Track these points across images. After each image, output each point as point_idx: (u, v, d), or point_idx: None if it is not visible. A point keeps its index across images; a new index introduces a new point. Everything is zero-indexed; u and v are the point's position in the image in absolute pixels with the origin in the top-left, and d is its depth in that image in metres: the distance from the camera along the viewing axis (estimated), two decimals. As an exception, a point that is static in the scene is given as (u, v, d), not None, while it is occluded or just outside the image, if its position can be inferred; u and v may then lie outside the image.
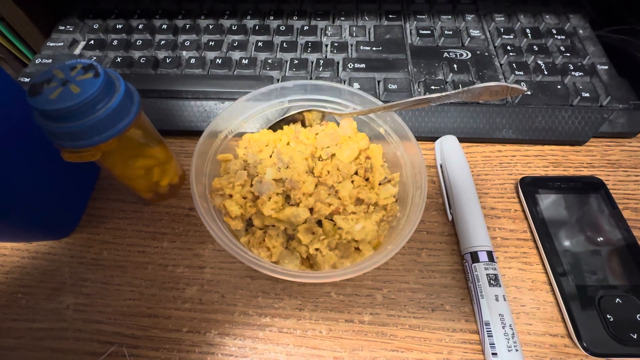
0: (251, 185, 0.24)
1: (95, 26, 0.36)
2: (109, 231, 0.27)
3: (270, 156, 0.25)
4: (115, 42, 0.34)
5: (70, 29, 0.36)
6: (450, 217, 0.26)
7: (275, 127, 0.27)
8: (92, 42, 0.34)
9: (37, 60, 0.34)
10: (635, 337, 0.21)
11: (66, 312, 0.24)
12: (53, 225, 0.26)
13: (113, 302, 0.24)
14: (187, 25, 0.36)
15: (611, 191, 0.27)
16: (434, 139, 0.30)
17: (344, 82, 0.32)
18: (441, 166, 0.29)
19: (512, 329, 0.21)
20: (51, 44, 0.35)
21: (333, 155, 0.25)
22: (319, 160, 0.25)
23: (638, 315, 0.21)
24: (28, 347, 0.22)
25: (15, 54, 0.36)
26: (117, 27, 0.36)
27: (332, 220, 0.23)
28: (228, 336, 0.23)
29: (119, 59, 0.33)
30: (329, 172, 0.24)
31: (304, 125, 0.27)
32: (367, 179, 0.25)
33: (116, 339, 0.23)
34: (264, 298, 0.24)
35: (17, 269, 0.25)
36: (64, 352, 0.22)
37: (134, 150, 0.23)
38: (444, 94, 0.20)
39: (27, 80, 0.32)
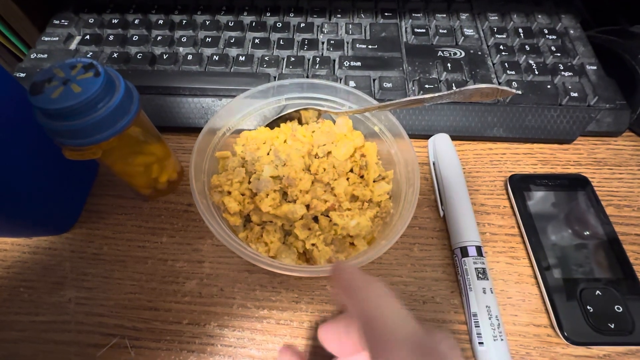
0: (249, 182, 0.24)
1: (91, 20, 0.36)
2: (108, 226, 0.27)
3: (268, 154, 0.26)
4: (111, 37, 0.34)
5: (65, 23, 0.35)
6: (441, 213, 0.27)
7: (273, 124, 0.27)
8: (87, 37, 0.34)
9: (32, 55, 0.33)
10: (612, 326, 0.22)
11: (68, 305, 0.24)
12: (53, 221, 0.26)
13: (114, 295, 0.24)
14: (184, 21, 0.36)
15: (596, 188, 0.28)
16: (427, 137, 0.31)
17: (340, 80, 0.32)
18: (434, 163, 0.29)
19: (498, 319, 0.22)
20: (46, 39, 0.34)
21: (329, 153, 0.26)
22: (315, 157, 0.26)
23: (616, 307, 0.23)
24: (31, 340, 0.23)
25: (9, 48, 0.36)
26: (113, 21, 0.35)
27: (327, 216, 0.24)
28: (227, 328, 0.23)
29: (115, 55, 0.33)
30: (325, 169, 0.25)
31: (300, 123, 0.28)
32: (362, 176, 0.25)
33: (118, 331, 0.23)
34: (262, 291, 0.25)
35: (18, 263, 0.26)
36: (67, 344, 0.23)
37: (133, 148, 0.23)
38: (437, 94, 0.21)
39: (22, 75, 0.32)
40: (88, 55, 0.33)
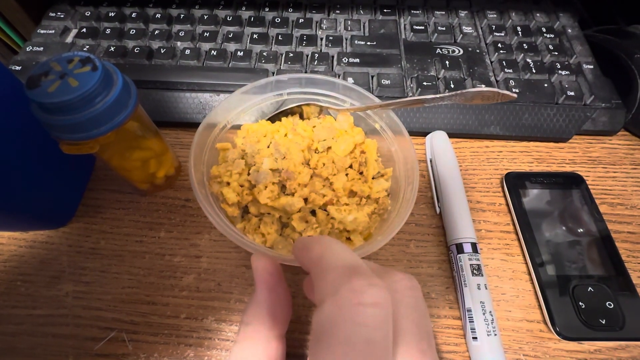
0: (248, 174, 0.24)
1: (87, 13, 0.35)
2: (106, 221, 0.27)
3: (268, 147, 0.26)
4: (108, 31, 0.34)
5: (61, 16, 0.35)
6: (438, 210, 0.28)
7: (274, 119, 0.27)
8: (84, 30, 0.34)
9: (27, 48, 0.33)
10: (603, 322, 0.22)
11: (66, 299, 0.24)
12: (49, 215, 0.26)
13: (112, 289, 0.25)
14: (181, 15, 0.35)
15: (590, 187, 0.28)
16: (425, 134, 0.31)
17: (338, 76, 0.32)
18: (431, 161, 0.30)
19: (491, 315, 0.22)
20: (42, 32, 0.34)
21: (329, 148, 0.26)
22: (315, 152, 0.26)
23: (607, 303, 0.23)
24: (29, 333, 0.23)
25: (4, 40, 0.35)
26: (110, 15, 0.35)
27: (325, 210, 0.24)
28: (224, 322, 0.24)
29: (112, 49, 0.33)
30: (324, 164, 0.25)
31: (302, 118, 0.28)
32: (361, 173, 0.26)
33: (116, 325, 0.23)
34: (259, 286, 0.25)
35: (15, 257, 0.26)
36: (64, 337, 0.23)
37: (131, 143, 0.23)
38: (438, 95, 0.21)
39: (18, 68, 0.32)
40: (85, 49, 0.33)
